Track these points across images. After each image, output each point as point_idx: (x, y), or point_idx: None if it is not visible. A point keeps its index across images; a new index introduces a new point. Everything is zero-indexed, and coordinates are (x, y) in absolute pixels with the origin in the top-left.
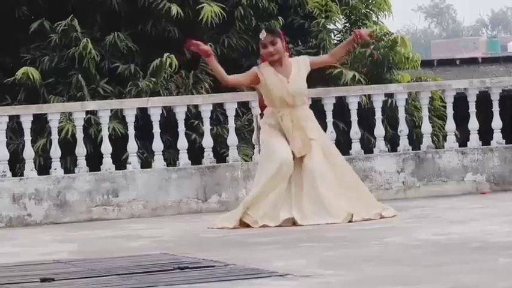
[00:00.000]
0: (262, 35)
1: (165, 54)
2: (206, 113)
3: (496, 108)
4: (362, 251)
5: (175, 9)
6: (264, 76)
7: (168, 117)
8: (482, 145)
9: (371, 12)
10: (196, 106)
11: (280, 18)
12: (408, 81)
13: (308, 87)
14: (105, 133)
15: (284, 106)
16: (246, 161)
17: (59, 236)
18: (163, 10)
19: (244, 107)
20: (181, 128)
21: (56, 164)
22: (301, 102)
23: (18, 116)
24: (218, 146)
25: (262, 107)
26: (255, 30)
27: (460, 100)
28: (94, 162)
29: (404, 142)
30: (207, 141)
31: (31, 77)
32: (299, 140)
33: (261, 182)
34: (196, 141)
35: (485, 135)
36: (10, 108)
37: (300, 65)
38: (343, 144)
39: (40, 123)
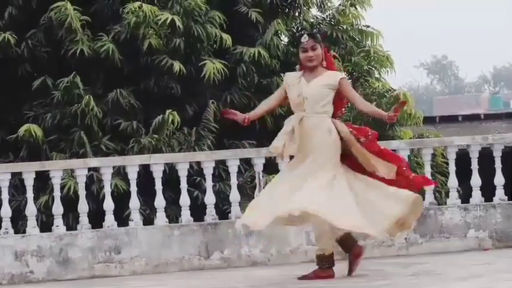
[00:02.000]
0: (305, 38)
1: (167, 111)
2: (208, 169)
3: (498, 165)
4: None
5: (177, 66)
6: (288, 79)
7: (170, 174)
8: (485, 201)
9: (374, 68)
10: (198, 163)
11: (282, 75)
12: (411, 138)
13: None
14: (107, 190)
15: (299, 109)
16: None
17: None
18: (165, 67)
19: (246, 164)
20: (183, 185)
21: (58, 221)
22: (315, 110)
23: (20, 173)
24: (220, 202)
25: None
26: (257, 87)
27: (462, 156)
28: (96, 219)
29: None
30: (209, 198)
31: (33, 134)
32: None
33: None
34: (198, 197)
35: (488, 192)
36: (13, 165)
37: (330, 78)
38: None
39: (42, 180)
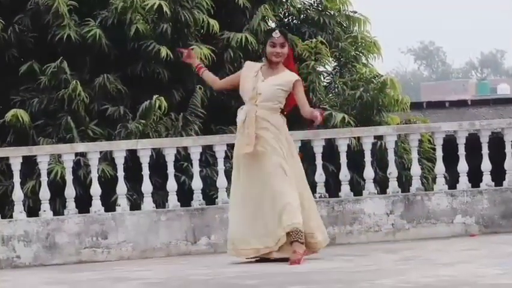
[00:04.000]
0: (276, 34)
1: (154, 96)
2: (195, 155)
3: (485, 151)
4: None
5: (164, 51)
6: (245, 69)
7: (157, 159)
8: (472, 187)
9: (361, 54)
10: (185, 148)
11: None
12: (398, 124)
13: (297, 129)
14: (94, 175)
15: (252, 102)
16: None
17: (48, 278)
18: (152, 52)
19: (233, 149)
20: (171, 170)
21: (45, 206)
22: (268, 107)
23: (7, 158)
24: (207, 187)
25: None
26: None
27: (449, 142)
28: (83, 204)
29: (393, 184)
30: (196, 183)
31: (20, 119)
32: (247, 137)
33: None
34: (185, 183)
35: (475, 178)
36: None
37: (287, 77)
38: (332, 186)
39: (29, 165)
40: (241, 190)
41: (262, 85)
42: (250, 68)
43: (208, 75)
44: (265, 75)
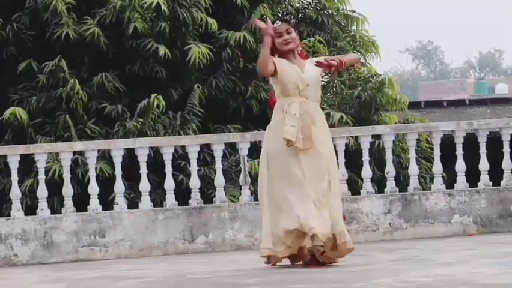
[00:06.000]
0: (277, 24)
1: (152, 95)
2: (193, 153)
3: (483, 150)
4: None
5: (162, 50)
6: (278, 64)
7: (155, 158)
8: (469, 187)
9: (359, 53)
10: (183, 147)
11: None
12: (396, 123)
13: None
14: (92, 173)
15: (296, 95)
16: (232, 201)
17: (46, 276)
18: (150, 51)
19: (231, 148)
20: (168, 169)
21: (43, 204)
22: (315, 98)
23: (5, 156)
24: (205, 186)
25: (272, 104)
26: (242, 72)
27: (447, 142)
28: (81, 202)
29: (391, 184)
30: (194, 182)
31: (18, 117)
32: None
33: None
34: (183, 182)
35: (473, 177)
36: None
37: (314, 63)
38: None
39: (27, 163)
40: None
41: (304, 75)
42: (283, 62)
43: (267, 52)
44: (298, 66)
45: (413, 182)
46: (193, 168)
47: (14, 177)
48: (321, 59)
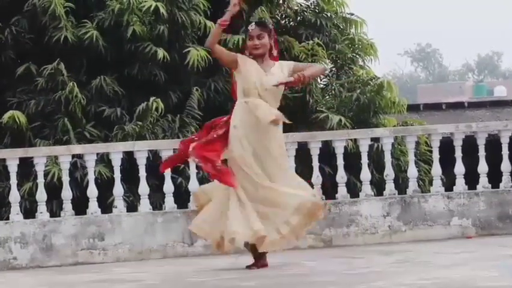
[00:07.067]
0: (251, 26)
1: (151, 98)
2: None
3: (482, 153)
4: None
5: (161, 53)
6: (243, 62)
7: (154, 161)
8: (468, 189)
9: (358, 56)
10: None
11: None
12: (395, 126)
13: (294, 131)
14: (91, 177)
15: (256, 95)
16: None
17: (45, 280)
18: (149, 54)
19: None
20: (167, 172)
21: (42, 208)
22: (273, 102)
23: (4, 160)
24: None
25: (234, 95)
26: None
27: (446, 144)
28: (80, 205)
29: (390, 186)
30: (193, 185)
31: (17, 120)
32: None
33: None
34: (182, 184)
35: (471, 180)
36: None
37: (283, 67)
38: (329, 189)
39: (26, 166)
40: None
41: (266, 79)
42: (249, 61)
43: (219, 33)
44: (263, 69)
45: (412, 185)
46: (192, 171)
47: (13, 180)
48: (290, 64)
